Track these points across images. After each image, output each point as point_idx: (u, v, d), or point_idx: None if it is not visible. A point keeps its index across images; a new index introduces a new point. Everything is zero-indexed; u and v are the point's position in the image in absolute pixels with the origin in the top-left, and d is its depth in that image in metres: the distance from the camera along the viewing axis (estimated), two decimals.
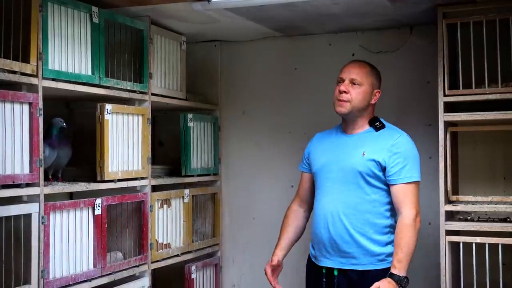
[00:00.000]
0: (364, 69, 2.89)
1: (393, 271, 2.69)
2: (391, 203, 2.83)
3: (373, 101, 2.90)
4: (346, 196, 2.81)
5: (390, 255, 2.78)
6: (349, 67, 2.90)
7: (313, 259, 2.95)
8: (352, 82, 2.85)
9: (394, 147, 2.80)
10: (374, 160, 2.78)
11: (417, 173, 2.82)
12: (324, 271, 2.86)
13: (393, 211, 2.84)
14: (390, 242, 2.81)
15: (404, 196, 2.77)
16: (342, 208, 2.80)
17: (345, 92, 2.84)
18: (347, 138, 2.91)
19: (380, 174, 2.79)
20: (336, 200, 2.83)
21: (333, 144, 2.93)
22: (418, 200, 2.81)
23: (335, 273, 2.82)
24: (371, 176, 2.79)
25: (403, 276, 2.68)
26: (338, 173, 2.84)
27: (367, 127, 2.90)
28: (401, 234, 2.73)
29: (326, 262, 2.86)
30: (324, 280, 2.85)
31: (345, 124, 2.94)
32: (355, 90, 2.84)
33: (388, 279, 2.67)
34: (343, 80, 2.87)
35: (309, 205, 3.07)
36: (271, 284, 2.99)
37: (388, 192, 2.82)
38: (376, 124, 2.89)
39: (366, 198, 2.80)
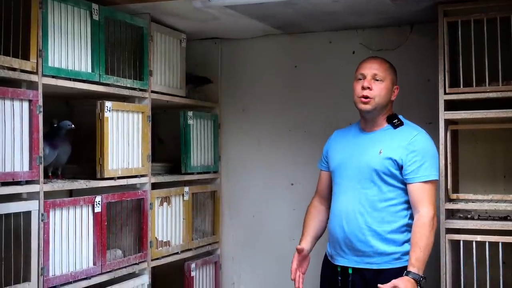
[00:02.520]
0: (384, 64, 2.85)
1: (411, 269, 2.63)
2: (408, 202, 2.78)
3: (393, 98, 2.87)
4: (363, 194, 2.78)
5: (406, 253, 2.73)
6: (370, 63, 2.85)
7: (329, 258, 2.92)
8: (375, 78, 2.80)
9: (411, 145, 2.76)
10: (391, 159, 2.75)
11: (435, 172, 2.78)
12: (339, 269, 2.83)
13: (410, 210, 2.79)
14: (407, 241, 2.75)
15: (422, 195, 2.72)
16: (358, 206, 2.77)
17: (369, 88, 2.79)
18: (365, 135, 2.88)
19: (397, 172, 2.76)
20: (353, 198, 2.80)
21: (351, 141, 2.90)
22: (435, 200, 2.76)
23: (350, 271, 2.80)
24: (387, 174, 2.76)
25: (422, 276, 2.63)
26: (355, 171, 2.81)
27: (385, 124, 2.86)
28: (420, 233, 2.67)
29: (341, 261, 2.83)
30: (340, 278, 2.83)
31: (364, 121, 2.90)
32: (378, 86, 2.80)
33: (407, 277, 2.61)
34: (364, 77, 2.81)
35: (330, 203, 3.01)
36: (293, 278, 2.88)
37: (405, 191, 2.77)
38: (394, 121, 2.85)
39: (382, 197, 2.77)
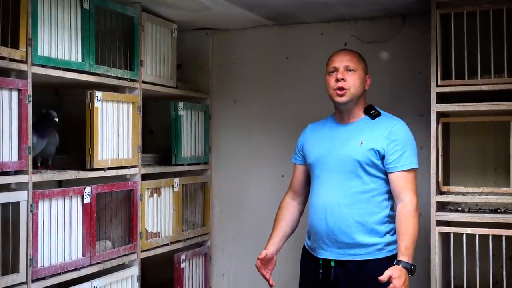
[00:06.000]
0: (355, 55, 2.87)
1: (402, 258, 2.62)
2: (389, 192, 2.79)
3: (366, 87, 2.87)
4: (345, 186, 2.77)
5: (388, 244, 2.75)
6: (340, 55, 2.85)
7: (309, 250, 2.91)
8: (347, 69, 2.80)
9: (392, 135, 2.77)
10: (373, 149, 2.75)
11: (415, 160, 2.79)
12: (320, 262, 2.82)
13: (391, 201, 2.80)
14: (389, 232, 2.77)
15: (404, 183, 2.74)
16: (341, 198, 2.77)
17: (343, 79, 2.79)
18: (343, 127, 2.87)
19: (378, 162, 2.76)
20: (335, 190, 2.79)
21: (328, 134, 2.89)
22: (416, 188, 2.78)
23: (332, 264, 2.79)
24: (369, 165, 2.76)
25: (412, 264, 2.63)
26: (336, 163, 2.80)
27: (362, 115, 2.86)
28: (406, 221, 2.68)
29: (323, 253, 2.81)
30: (321, 271, 2.82)
31: (339, 114, 2.89)
32: (351, 76, 2.80)
33: (399, 266, 2.60)
34: (336, 69, 2.82)
35: (303, 198, 3.03)
36: (264, 278, 2.91)
37: (386, 181, 2.78)
38: (371, 112, 2.85)
39: (365, 188, 2.76)
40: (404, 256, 2.63)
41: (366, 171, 2.77)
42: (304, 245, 2.98)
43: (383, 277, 2.55)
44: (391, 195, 2.80)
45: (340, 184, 2.79)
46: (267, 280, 2.89)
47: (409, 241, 2.65)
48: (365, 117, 2.86)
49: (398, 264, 2.62)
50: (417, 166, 2.80)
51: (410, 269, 2.62)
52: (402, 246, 2.65)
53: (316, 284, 2.85)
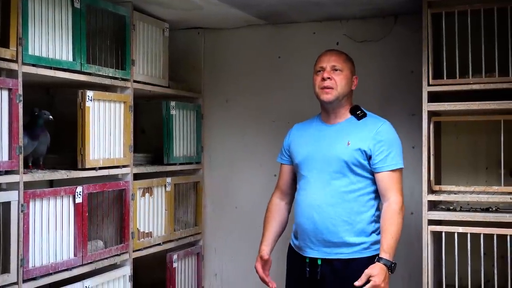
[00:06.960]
0: (342, 56, 2.91)
1: (383, 256, 2.68)
2: (375, 192, 2.83)
3: (353, 87, 2.91)
4: (332, 186, 2.80)
5: (375, 243, 2.79)
6: (327, 56, 2.90)
7: (295, 249, 2.93)
8: (334, 68, 2.85)
9: (378, 135, 2.80)
10: (359, 150, 2.78)
11: (401, 160, 2.84)
12: (307, 260, 2.85)
13: (377, 200, 2.84)
14: (375, 231, 2.81)
15: (390, 183, 2.78)
16: (328, 198, 2.79)
17: (329, 78, 2.83)
18: (329, 128, 2.90)
19: (365, 163, 2.79)
20: (322, 190, 2.81)
21: (315, 134, 2.92)
22: (402, 187, 2.82)
23: (319, 262, 2.81)
24: (356, 165, 2.79)
25: (393, 262, 2.69)
26: (323, 163, 2.83)
27: (348, 116, 2.89)
28: (390, 220, 2.73)
29: (310, 252, 2.84)
30: (308, 269, 2.84)
31: (325, 113, 2.93)
32: (337, 76, 2.85)
33: (380, 264, 2.66)
34: (323, 69, 2.86)
35: (291, 197, 3.06)
36: (263, 282, 2.95)
37: (373, 181, 2.82)
38: (357, 112, 2.89)
39: (351, 188, 2.80)
40: (386, 253, 2.69)
41: (353, 171, 2.80)
42: (290, 244, 3.00)
43: (361, 279, 2.62)
44: (377, 195, 2.84)
45: (327, 184, 2.82)
46: (267, 284, 2.94)
47: (392, 240, 2.71)
48: (351, 118, 2.89)
49: (379, 261, 2.68)
50: (402, 166, 2.84)
51: (390, 267, 2.68)
52: (384, 244, 2.71)
53: (302, 282, 2.88)
